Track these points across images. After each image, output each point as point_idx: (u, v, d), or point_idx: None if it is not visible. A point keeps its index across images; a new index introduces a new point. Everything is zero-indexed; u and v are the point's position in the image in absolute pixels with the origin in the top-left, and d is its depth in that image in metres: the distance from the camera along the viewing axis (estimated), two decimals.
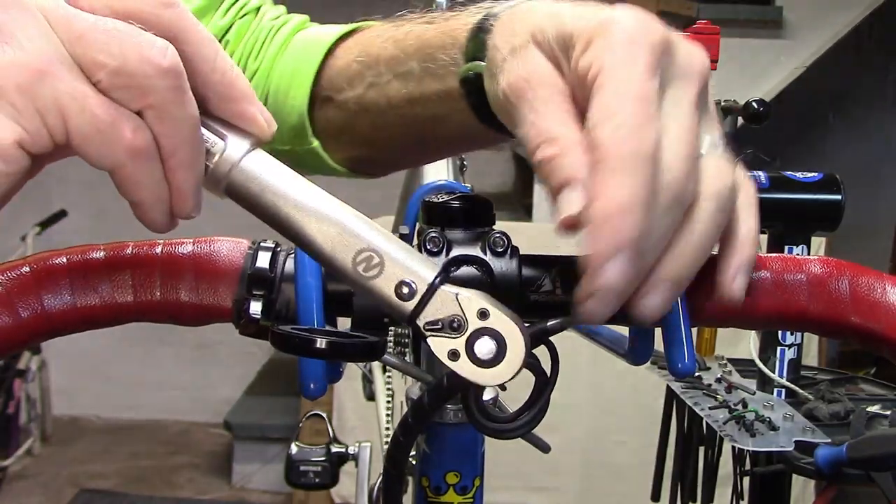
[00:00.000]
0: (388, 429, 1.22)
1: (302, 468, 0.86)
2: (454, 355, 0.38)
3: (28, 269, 0.40)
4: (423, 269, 0.38)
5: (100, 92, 0.34)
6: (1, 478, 3.15)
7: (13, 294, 0.39)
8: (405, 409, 0.55)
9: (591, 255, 0.36)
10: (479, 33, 0.49)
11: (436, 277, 0.38)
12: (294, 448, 0.86)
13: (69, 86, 0.34)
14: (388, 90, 0.62)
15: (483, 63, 0.47)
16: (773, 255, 0.45)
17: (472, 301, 0.38)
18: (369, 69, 0.64)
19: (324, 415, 1.01)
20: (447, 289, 0.38)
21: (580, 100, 0.39)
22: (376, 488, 0.87)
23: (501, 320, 0.38)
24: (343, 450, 0.88)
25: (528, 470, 2.49)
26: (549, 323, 0.42)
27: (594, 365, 2.28)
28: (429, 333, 0.38)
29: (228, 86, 0.38)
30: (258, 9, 0.77)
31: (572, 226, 0.36)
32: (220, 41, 0.73)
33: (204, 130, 0.38)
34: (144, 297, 0.41)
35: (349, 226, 0.38)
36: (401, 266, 0.38)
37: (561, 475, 2.58)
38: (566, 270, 0.43)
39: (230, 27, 0.74)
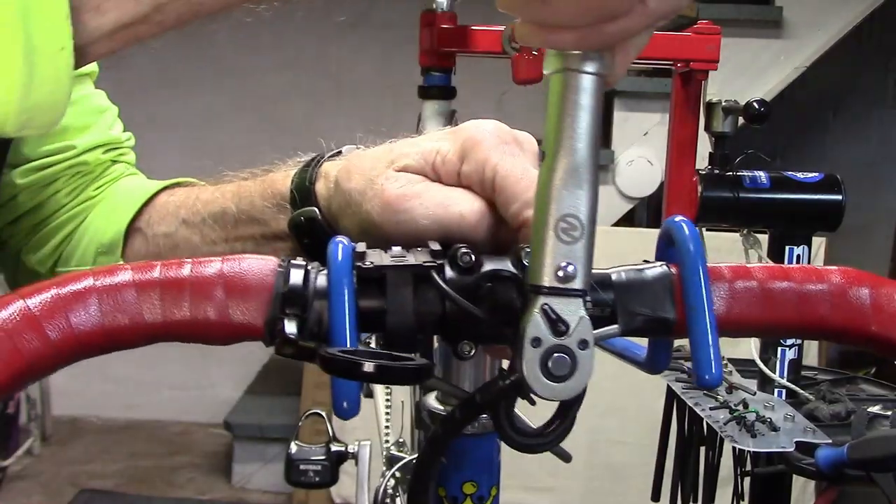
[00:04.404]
0: (387, 427, 1.22)
1: (302, 467, 0.85)
2: (536, 342, 0.39)
3: (56, 290, 0.40)
4: (585, 276, 0.39)
5: None
6: (1, 478, 3.15)
7: (42, 317, 0.39)
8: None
9: None
10: (304, 184, 0.58)
11: (584, 290, 0.39)
12: (294, 447, 0.85)
13: None
14: (202, 228, 0.66)
15: (315, 209, 0.58)
16: (795, 265, 0.46)
17: (584, 330, 0.39)
18: (184, 207, 0.69)
19: (323, 414, 1.01)
20: (578, 303, 0.39)
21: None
22: (381, 490, 0.86)
23: (587, 358, 0.39)
24: (343, 448, 0.88)
25: (529, 470, 2.49)
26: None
27: (594, 365, 2.28)
28: (536, 311, 0.39)
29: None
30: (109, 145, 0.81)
31: None
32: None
33: None
34: (173, 316, 0.41)
35: (585, 195, 0.39)
36: (579, 258, 0.39)
37: (561, 475, 2.58)
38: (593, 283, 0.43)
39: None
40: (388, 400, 1.25)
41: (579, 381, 0.40)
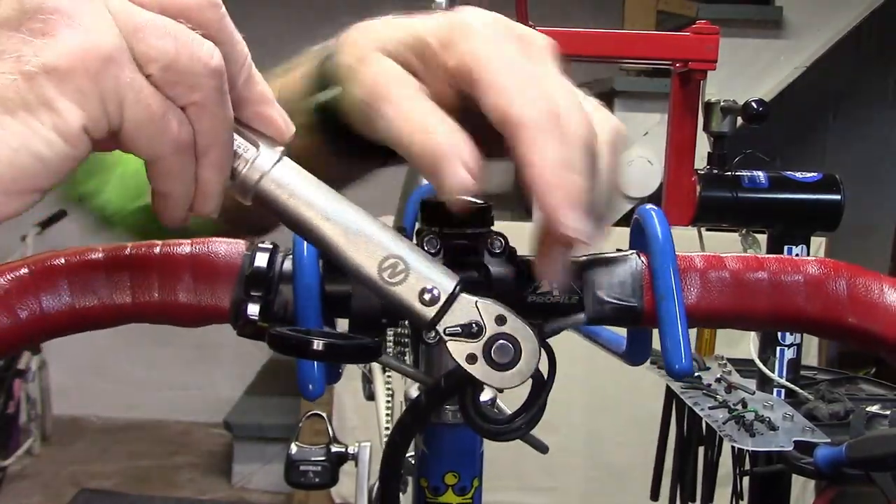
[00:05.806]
0: (387, 429, 1.22)
1: (302, 468, 0.86)
2: (472, 359, 0.39)
3: (27, 270, 0.40)
4: (444, 278, 0.39)
5: (152, 85, 0.35)
6: (1, 478, 3.15)
7: (12, 295, 0.39)
8: (405, 409, 0.55)
9: (552, 213, 0.37)
10: (326, 61, 0.51)
11: (456, 286, 0.39)
12: (294, 448, 0.86)
13: (129, 76, 0.34)
14: None
15: (337, 87, 0.48)
16: (771, 256, 0.45)
17: (491, 307, 0.39)
18: None
19: (324, 415, 1.01)
20: (467, 296, 0.39)
21: (445, 95, 0.42)
22: (375, 488, 0.87)
23: (517, 325, 0.39)
24: (343, 450, 0.88)
25: (528, 470, 2.49)
26: (549, 325, 0.42)
27: (593, 364, 2.28)
28: (448, 338, 0.39)
29: (252, 88, 0.39)
30: None
31: (465, 189, 0.38)
32: None
33: (236, 136, 0.39)
34: (142, 298, 0.41)
35: (375, 234, 0.39)
36: (424, 274, 0.39)
37: (560, 475, 2.58)
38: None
39: None
40: (388, 401, 1.25)
41: (530, 350, 0.39)
